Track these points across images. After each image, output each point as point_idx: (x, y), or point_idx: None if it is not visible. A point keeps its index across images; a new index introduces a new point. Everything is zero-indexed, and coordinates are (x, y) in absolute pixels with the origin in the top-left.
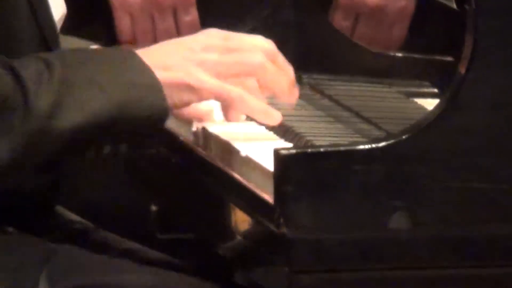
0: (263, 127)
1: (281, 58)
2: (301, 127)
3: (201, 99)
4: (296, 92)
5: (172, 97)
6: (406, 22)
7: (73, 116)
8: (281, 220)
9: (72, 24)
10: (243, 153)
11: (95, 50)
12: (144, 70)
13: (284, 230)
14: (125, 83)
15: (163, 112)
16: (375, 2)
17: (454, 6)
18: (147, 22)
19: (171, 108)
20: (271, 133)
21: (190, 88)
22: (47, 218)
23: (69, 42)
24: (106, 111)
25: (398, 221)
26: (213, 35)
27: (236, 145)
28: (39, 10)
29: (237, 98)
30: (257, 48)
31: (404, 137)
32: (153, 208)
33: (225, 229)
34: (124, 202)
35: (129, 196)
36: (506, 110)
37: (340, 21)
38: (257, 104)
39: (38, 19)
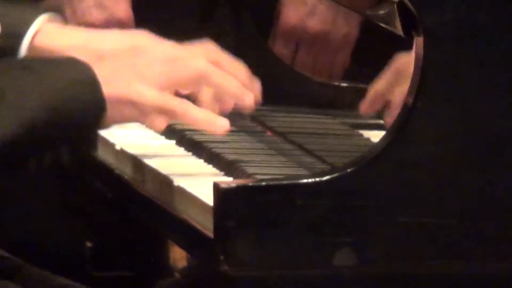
0: (202, 160)
1: (227, 59)
2: (242, 160)
3: (143, 113)
4: (255, 88)
5: (112, 112)
6: (348, 50)
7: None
8: (222, 257)
9: None
10: (180, 185)
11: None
12: (80, 66)
13: (225, 267)
14: (59, 79)
15: (100, 106)
16: (315, 29)
17: (401, 34)
18: None
19: (112, 123)
20: (210, 166)
21: (130, 102)
22: None
23: None
24: (39, 111)
25: (343, 258)
26: (154, 47)
27: (174, 178)
28: None
29: (179, 110)
30: (199, 55)
31: (349, 170)
32: (88, 244)
33: (163, 266)
34: (58, 238)
35: (63, 232)
36: (454, 143)
37: (280, 48)
38: (200, 113)
39: None
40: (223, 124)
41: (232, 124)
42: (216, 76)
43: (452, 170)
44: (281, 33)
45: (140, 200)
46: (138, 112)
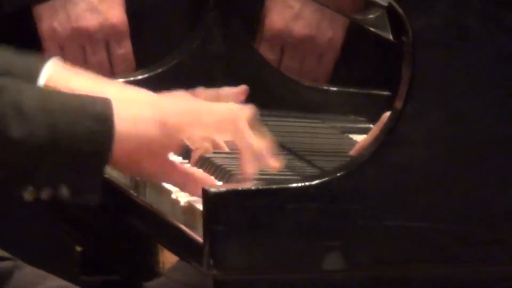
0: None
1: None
2: (232, 164)
3: (161, 162)
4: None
5: (130, 163)
6: (334, 54)
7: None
8: (211, 261)
9: None
10: (169, 188)
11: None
12: (103, 102)
13: (214, 271)
14: (75, 107)
15: (105, 147)
16: (300, 33)
17: (391, 37)
18: (78, 54)
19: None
20: (201, 170)
21: (152, 154)
22: None
23: None
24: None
25: (333, 262)
26: (188, 102)
27: (163, 182)
28: None
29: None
30: (232, 108)
31: (338, 174)
32: (78, 248)
33: (152, 270)
34: (47, 243)
35: (53, 236)
36: (444, 146)
37: (266, 52)
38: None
39: None
40: (250, 170)
41: None
42: (239, 129)
43: (442, 174)
44: (266, 37)
45: (130, 204)
46: (158, 159)
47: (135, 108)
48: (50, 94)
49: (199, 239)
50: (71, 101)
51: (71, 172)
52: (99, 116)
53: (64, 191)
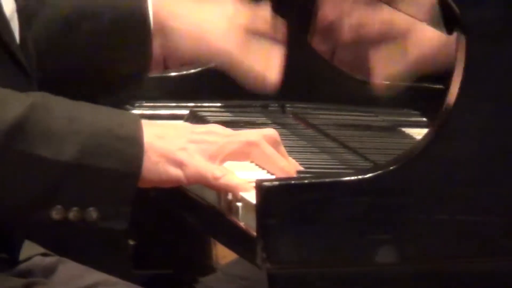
0: None
1: (282, 148)
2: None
3: (187, 177)
4: None
5: (159, 169)
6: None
7: (35, 142)
8: (264, 254)
9: None
10: None
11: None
12: (131, 123)
13: (267, 265)
14: (104, 128)
15: (135, 170)
16: (354, 26)
17: (444, 31)
18: None
19: (154, 182)
20: (253, 164)
21: (180, 163)
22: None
23: None
24: (69, 151)
25: (385, 255)
26: (216, 128)
27: None
28: None
29: (219, 183)
30: (257, 132)
31: (391, 168)
32: (130, 242)
33: (206, 264)
34: (100, 236)
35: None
36: (495, 139)
37: (318, 45)
38: (238, 180)
39: None
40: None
41: (274, 121)
42: (267, 149)
43: (493, 168)
44: (319, 30)
45: (183, 198)
46: (183, 175)
47: (162, 126)
48: (79, 112)
49: (253, 233)
50: (99, 122)
51: (100, 194)
52: (127, 138)
53: (92, 214)
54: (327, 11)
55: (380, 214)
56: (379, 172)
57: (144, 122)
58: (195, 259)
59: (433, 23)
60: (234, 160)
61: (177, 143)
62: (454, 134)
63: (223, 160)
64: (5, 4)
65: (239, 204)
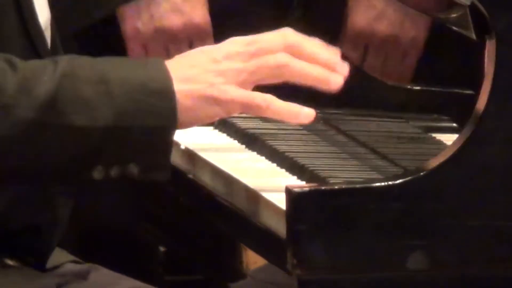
0: (275, 164)
1: (308, 45)
2: (315, 163)
3: (227, 110)
4: (343, 69)
5: (196, 111)
6: (417, 53)
7: (70, 113)
8: (294, 260)
9: None
10: (254, 188)
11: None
12: (160, 75)
13: (297, 271)
14: (135, 86)
15: (170, 123)
16: (384, 33)
17: (474, 37)
18: (161, 54)
19: (196, 122)
20: (283, 170)
21: (214, 100)
22: (47, 257)
23: None
24: (104, 116)
25: (416, 261)
26: (235, 42)
27: (248, 182)
28: (27, 17)
29: (263, 104)
30: (279, 47)
31: (422, 173)
32: (161, 248)
33: (235, 270)
34: (131, 242)
35: (137, 236)
36: None
37: (349, 51)
38: (284, 105)
39: (27, 27)
40: (309, 114)
41: (304, 127)
42: (296, 65)
43: None
44: (349, 36)
45: (213, 204)
46: (222, 110)
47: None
48: (107, 71)
49: (283, 238)
50: (129, 79)
51: (139, 150)
52: (160, 92)
53: (133, 169)
54: (357, 17)
55: (411, 220)
56: (409, 178)
57: (169, 67)
58: (225, 265)
59: (461, 28)
60: (264, 83)
61: (203, 81)
62: (484, 139)
63: (253, 83)
64: (41, 15)
65: (269, 209)
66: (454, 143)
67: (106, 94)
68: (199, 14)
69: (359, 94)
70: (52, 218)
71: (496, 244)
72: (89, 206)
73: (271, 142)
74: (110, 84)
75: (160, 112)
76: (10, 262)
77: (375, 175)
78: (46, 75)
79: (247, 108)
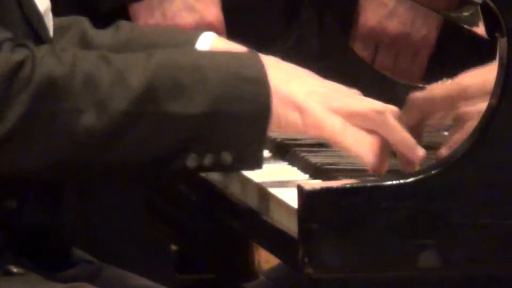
0: (286, 163)
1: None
2: (326, 162)
3: (304, 124)
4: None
5: (278, 112)
6: (428, 52)
7: (166, 100)
8: (306, 259)
9: None
10: (266, 187)
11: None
12: (256, 64)
13: (309, 269)
14: (230, 73)
15: (266, 110)
16: (395, 31)
17: (485, 35)
18: None
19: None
20: (295, 168)
21: (299, 108)
22: (59, 257)
23: None
24: (201, 102)
25: (428, 260)
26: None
27: (259, 181)
28: (26, 5)
29: (337, 133)
30: (382, 103)
31: (433, 172)
32: (173, 247)
33: (248, 269)
34: (142, 241)
35: (148, 235)
36: None
37: (360, 50)
38: (354, 143)
39: (26, 15)
40: (420, 153)
41: None
42: (390, 121)
43: None
44: (360, 35)
45: (225, 203)
46: (301, 122)
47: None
48: (201, 59)
49: (294, 237)
50: (224, 66)
51: (234, 137)
52: (256, 79)
53: (227, 158)
54: (368, 16)
55: (423, 219)
56: (421, 176)
57: (269, 64)
58: (238, 264)
59: (473, 26)
60: (354, 123)
61: (300, 90)
62: (496, 137)
63: (344, 117)
64: (39, 3)
65: (281, 207)
66: (466, 141)
67: (202, 81)
68: (212, 12)
69: (370, 92)
70: (61, 221)
71: (508, 243)
72: (101, 205)
73: (283, 140)
74: (206, 71)
75: (256, 99)
76: (14, 269)
77: (386, 174)
78: (139, 65)
79: (320, 129)
